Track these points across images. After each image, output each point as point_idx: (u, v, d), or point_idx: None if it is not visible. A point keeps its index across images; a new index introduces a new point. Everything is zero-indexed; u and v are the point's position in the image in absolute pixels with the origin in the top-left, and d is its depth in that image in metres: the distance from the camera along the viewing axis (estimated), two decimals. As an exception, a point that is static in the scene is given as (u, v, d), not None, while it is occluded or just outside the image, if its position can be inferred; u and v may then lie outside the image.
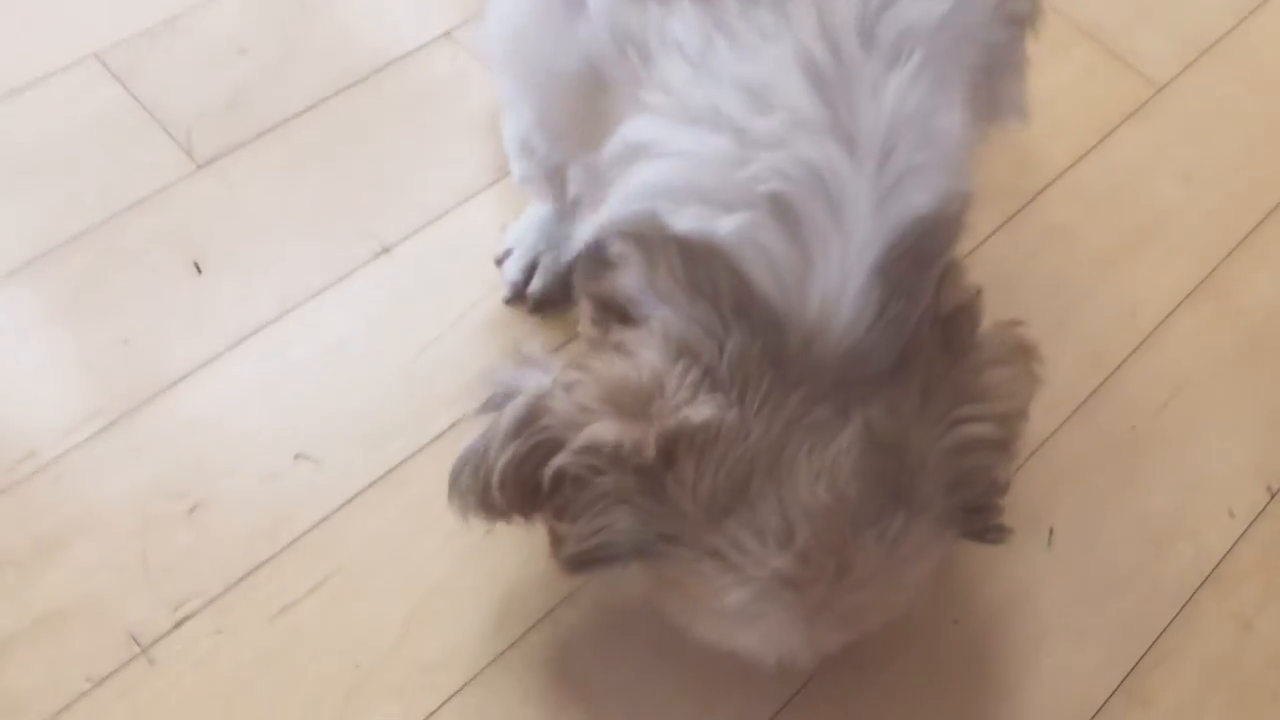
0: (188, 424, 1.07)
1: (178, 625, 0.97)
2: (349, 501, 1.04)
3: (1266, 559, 1.08)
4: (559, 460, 0.75)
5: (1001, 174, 1.28)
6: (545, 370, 0.79)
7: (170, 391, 1.08)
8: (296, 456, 1.06)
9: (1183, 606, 1.04)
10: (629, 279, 0.77)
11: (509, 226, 1.20)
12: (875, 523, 0.74)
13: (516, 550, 1.02)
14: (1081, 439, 1.13)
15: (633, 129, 0.77)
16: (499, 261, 1.18)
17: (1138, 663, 1.01)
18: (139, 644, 0.96)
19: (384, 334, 1.14)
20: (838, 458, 0.73)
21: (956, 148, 0.77)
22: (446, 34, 1.35)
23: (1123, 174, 1.33)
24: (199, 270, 1.16)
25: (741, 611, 0.75)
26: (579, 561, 0.78)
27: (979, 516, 0.80)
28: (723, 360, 0.73)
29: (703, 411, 0.72)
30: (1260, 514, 1.10)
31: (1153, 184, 1.32)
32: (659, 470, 0.73)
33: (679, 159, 0.74)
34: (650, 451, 0.72)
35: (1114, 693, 0.99)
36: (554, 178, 0.99)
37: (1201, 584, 1.06)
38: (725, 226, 0.72)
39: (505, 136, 1.09)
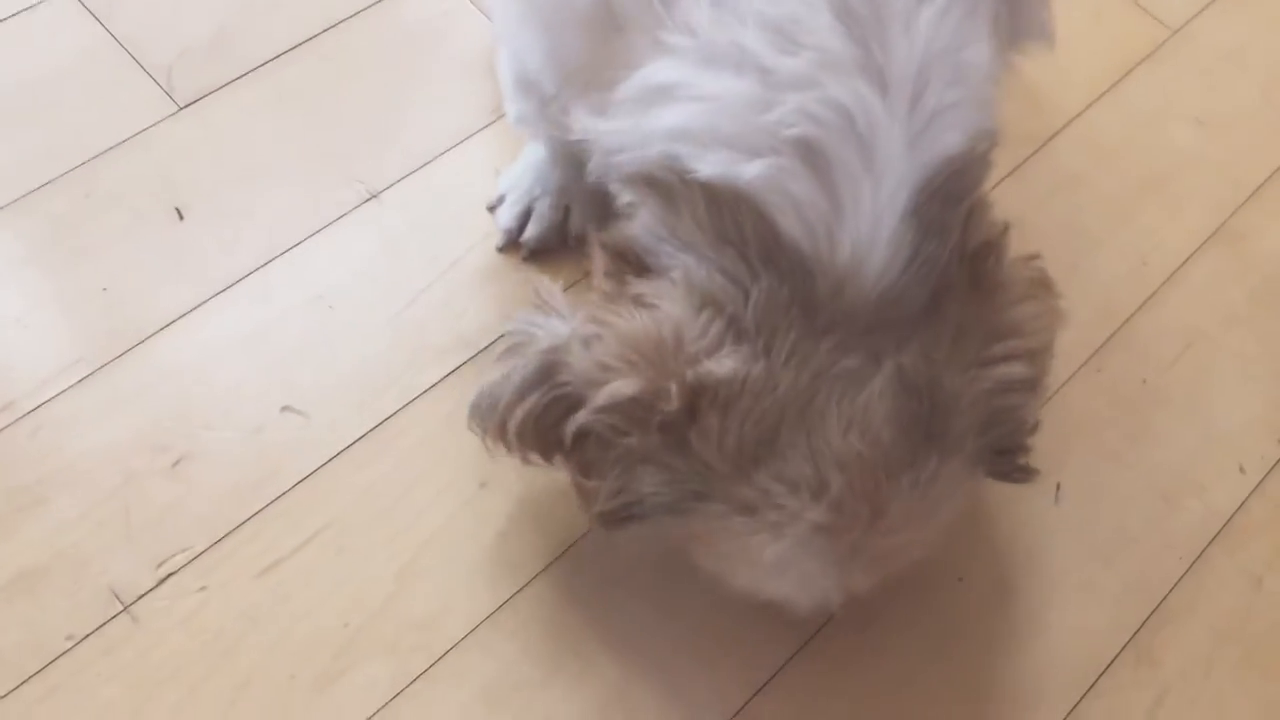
0: (170, 375, 1.04)
1: (161, 582, 0.94)
2: (338, 455, 1.01)
3: (1278, 515, 1.06)
4: (580, 419, 0.74)
5: (1012, 119, 1.23)
6: (563, 317, 0.78)
7: (152, 341, 1.05)
8: (283, 409, 1.03)
9: (1192, 564, 1.02)
10: (642, 227, 0.75)
11: (502, 171, 1.16)
12: (909, 468, 0.73)
13: (510, 505, 0.99)
14: (1091, 392, 1.10)
15: (653, 72, 0.74)
16: (492, 208, 1.15)
17: (1146, 621, 0.99)
18: (121, 601, 0.93)
19: (373, 283, 1.10)
20: (870, 404, 0.72)
21: (985, 82, 0.75)
22: (437, -29, 1.31)
23: (1135, 120, 1.29)
24: (180, 216, 1.12)
25: (776, 563, 0.75)
26: (609, 519, 0.77)
27: (1007, 457, 0.80)
28: (749, 309, 0.71)
29: (726, 364, 0.71)
30: (1272, 469, 1.08)
31: (1165, 130, 1.29)
32: (682, 426, 0.72)
33: (702, 103, 0.72)
34: (671, 404, 0.71)
35: (1121, 651, 0.98)
36: (554, 117, 0.96)
37: (1211, 541, 1.04)
38: (750, 172, 0.70)
39: (501, 73, 1.04)
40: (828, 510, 0.72)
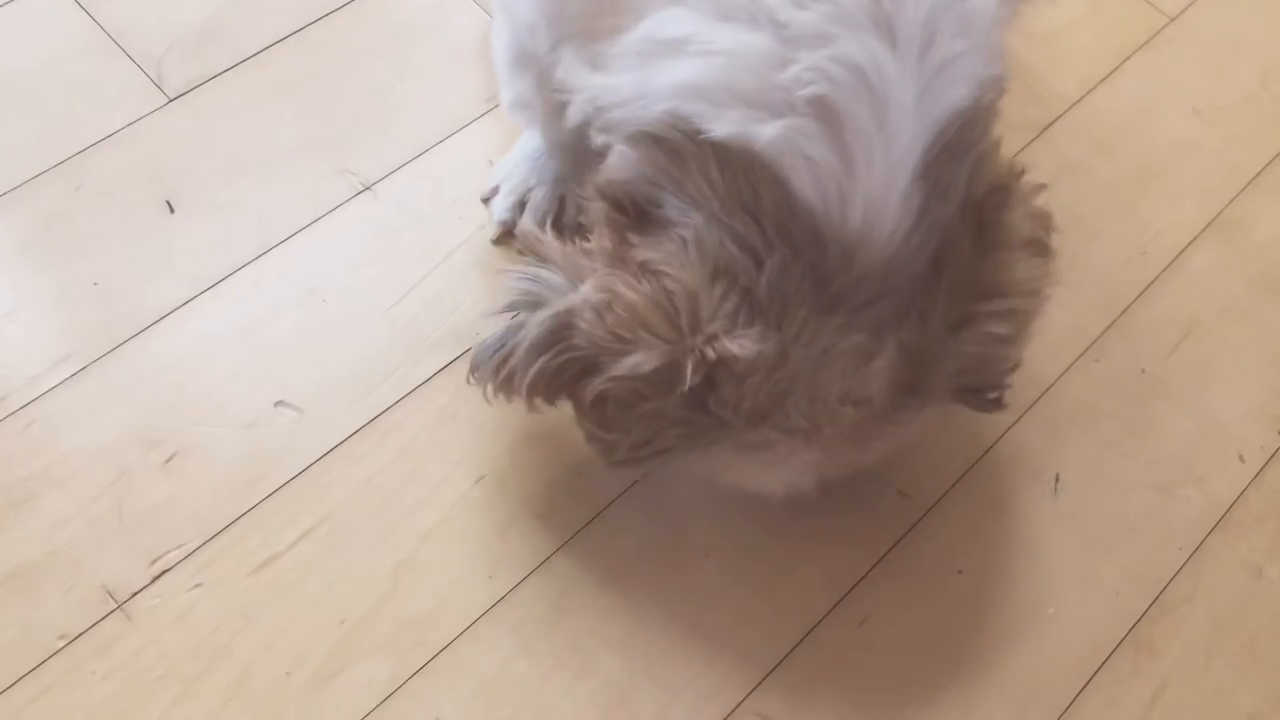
0: (163, 369, 1.03)
1: (155, 579, 0.93)
2: (332, 450, 1.00)
3: (1277, 504, 1.05)
4: (599, 385, 0.76)
5: (1010, 106, 1.23)
6: (564, 275, 0.79)
7: (143, 336, 1.04)
8: (277, 403, 1.02)
9: (1192, 554, 1.02)
10: (637, 174, 0.75)
11: (496, 162, 1.15)
12: (893, 416, 0.79)
13: (508, 499, 0.99)
14: (1089, 382, 1.10)
15: (662, 23, 0.73)
16: (486, 199, 1.14)
17: (1146, 611, 0.99)
18: (115, 599, 0.92)
19: (366, 275, 1.09)
20: (869, 378, 0.75)
21: (991, 29, 0.74)
22: (429, -41, 1.29)
23: (1133, 107, 1.28)
24: (171, 209, 1.11)
25: (767, 483, 0.86)
26: (628, 464, 0.82)
27: (979, 392, 0.85)
28: (762, 280, 0.72)
29: (744, 345, 0.72)
30: (1271, 458, 1.07)
31: (1163, 118, 1.28)
32: (701, 391, 0.75)
33: (717, 57, 0.70)
34: (693, 376, 0.73)
35: (1121, 643, 0.97)
36: (550, 90, 0.95)
37: (1211, 530, 1.03)
38: (768, 134, 0.69)
39: (495, 51, 1.03)
40: (818, 451, 0.79)
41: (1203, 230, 1.20)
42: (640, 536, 0.98)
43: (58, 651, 0.90)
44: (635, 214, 0.76)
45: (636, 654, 0.93)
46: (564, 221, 1.12)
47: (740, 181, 0.71)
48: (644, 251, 0.74)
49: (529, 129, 1.12)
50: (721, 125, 0.70)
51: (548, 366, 0.78)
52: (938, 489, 1.02)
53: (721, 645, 0.94)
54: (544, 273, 0.79)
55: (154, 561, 0.94)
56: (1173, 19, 1.35)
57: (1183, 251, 1.19)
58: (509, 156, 1.14)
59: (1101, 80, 1.30)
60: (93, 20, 1.21)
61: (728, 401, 0.75)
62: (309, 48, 1.22)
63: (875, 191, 0.70)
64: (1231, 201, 1.22)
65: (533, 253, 0.81)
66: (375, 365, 1.04)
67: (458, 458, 1.00)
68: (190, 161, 1.14)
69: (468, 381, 0.85)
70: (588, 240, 0.80)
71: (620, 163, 0.78)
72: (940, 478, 1.03)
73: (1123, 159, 1.24)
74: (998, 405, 0.87)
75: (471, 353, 0.84)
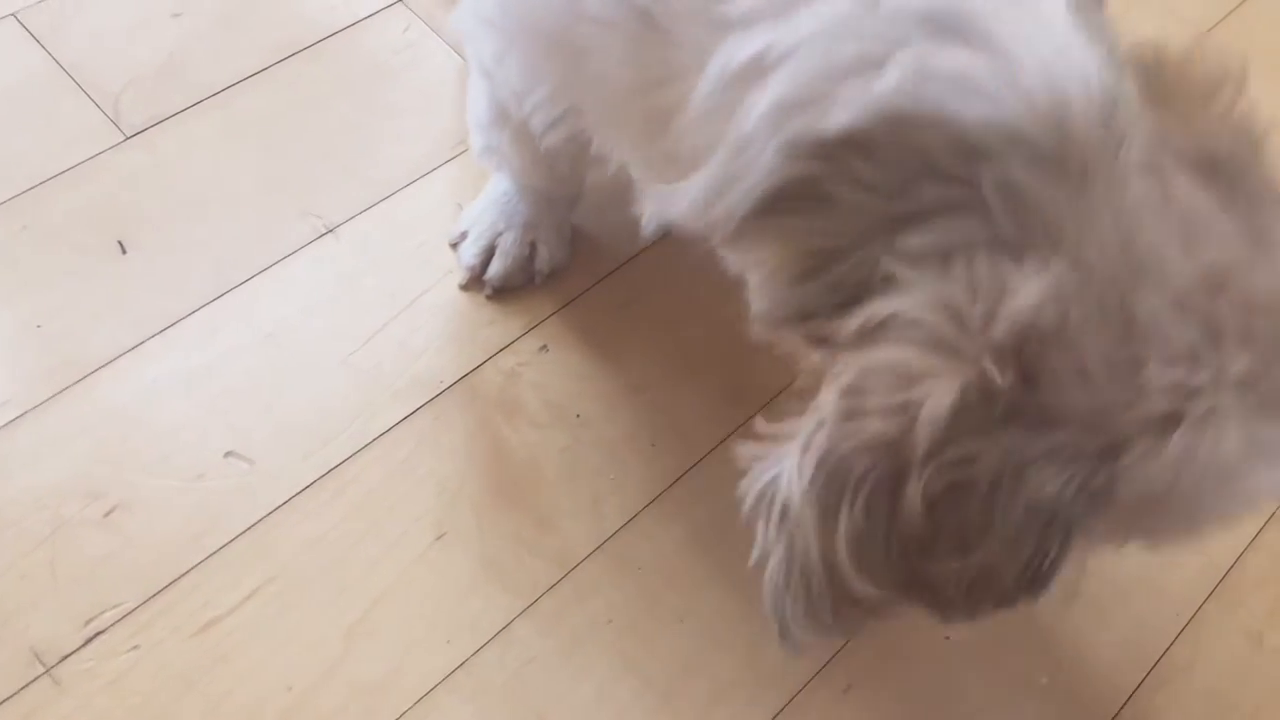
0: (107, 417, 0.98)
1: (88, 642, 0.87)
2: (283, 505, 0.95)
3: (1276, 568, 1.01)
4: (915, 486, 0.57)
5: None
6: (776, 440, 0.63)
7: (87, 381, 0.99)
8: (226, 454, 0.97)
9: (1189, 621, 0.98)
10: (790, 280, 0.64)
11: (465, 206, 1.11)
12: (1257, 238, 0.60)
13: (469, 559, 0.94)
14: (1079, 440, 1.06)
15: (726, 56, 0.63)
16: (454, 244, 1.10)
17: (1142, 682, 0.94)
18: (43, 663, 0.86)
19: (326, 321, 1.05)
20: (1187, 212, 0.59)
21: None
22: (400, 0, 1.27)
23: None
24: (123, 249, 1.07)
25: (1244, 451, 0.58)
26: (1033, 584, 0.61)
27: None
28: (993, 214, 0.58)
29: (1029, 291, 0.56)
30: (1269, 520, 1.04)
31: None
32: (1030, 395, 0.57)
33: (801, 50, 0.61)
34: (1003, 376, 0.56)
35: (1117, 714, 0.93)
36: (529, 144, 0.90)
37: (1208, 596, 0.99)
38: (888, 83, 0.58)
39: (472, 103, 0.99)
40: (1237, 347, 0.58)
41: (1192, 285, 1.18)
42: (609, 600, 0.93)
43: (-22, 720, 0.84)
44: (826, 312, 0.63)
45: (605, 725, 0.88)
46: (535, 268, 1.08)
47: (891, 157, 0.60)
48: (847, 327, 0.61)
49: (498, 173, 1.09)
50: (839, 111, 0.60)
51: (857, 517, 0.59)
52: (924, 550, 0.98)
53: (697, 714, 0.89)
54: (762, 449, 0.64)
55: (88, 622, 0.88)
56: (1157, 73, 1.34)
57: (1172, 306, 1.16)
58: (478, 200, 1.10)
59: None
60: (48, 54, 1.18)
61: (1066, 374, 0.56)
62: (273, 87, 1.19)
63: (1047, 56, 0.59)
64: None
65: (755, 447, 0.65)
66: (333, 415, 1.00)
67: (417, 513, 0.95)
68: (145, 201, 1.10)
69: (783, 651, 0.67)
70: None
71: (758, 282, 0.67)
72: (926, 538, 0.98)
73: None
74: None
75: (767, 611, 0.65)
